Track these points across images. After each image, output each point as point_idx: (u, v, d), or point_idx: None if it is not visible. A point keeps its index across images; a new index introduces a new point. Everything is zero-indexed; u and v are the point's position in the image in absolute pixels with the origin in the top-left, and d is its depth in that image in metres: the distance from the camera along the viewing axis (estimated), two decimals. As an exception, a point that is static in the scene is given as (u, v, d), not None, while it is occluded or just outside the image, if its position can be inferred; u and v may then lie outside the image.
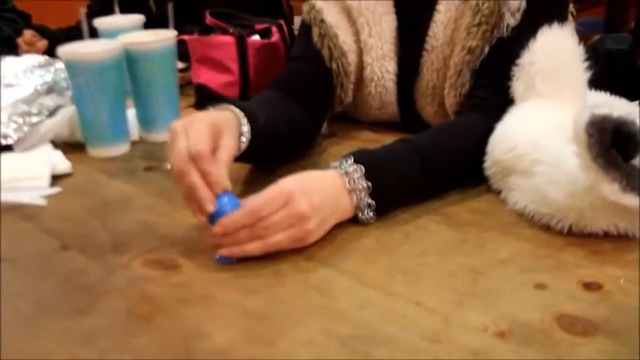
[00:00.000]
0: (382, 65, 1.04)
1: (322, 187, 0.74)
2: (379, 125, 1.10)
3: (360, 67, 1.05)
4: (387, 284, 0.66)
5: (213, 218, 0.70)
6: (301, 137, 1.01)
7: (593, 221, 0.71)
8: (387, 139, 1.05)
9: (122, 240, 0.77)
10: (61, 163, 0.98)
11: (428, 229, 0.77)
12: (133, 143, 1.09)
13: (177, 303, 0.64)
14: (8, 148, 1.03)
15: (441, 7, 0.98)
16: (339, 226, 0.77)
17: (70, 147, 1.05)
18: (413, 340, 0.57)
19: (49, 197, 0.90)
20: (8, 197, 0.89)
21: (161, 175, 0.96)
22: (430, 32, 0.99)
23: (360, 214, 0.77)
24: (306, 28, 1.05)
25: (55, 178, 0.95)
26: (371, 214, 0.77)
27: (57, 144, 1.05)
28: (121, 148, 1.06)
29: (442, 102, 1.00)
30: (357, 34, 1.04)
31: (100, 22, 1.25)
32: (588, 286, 0.64)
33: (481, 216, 0.80)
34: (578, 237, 0.72)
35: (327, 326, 0.60)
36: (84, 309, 0.64)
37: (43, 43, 1.54)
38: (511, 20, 0.90)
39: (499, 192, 0.83)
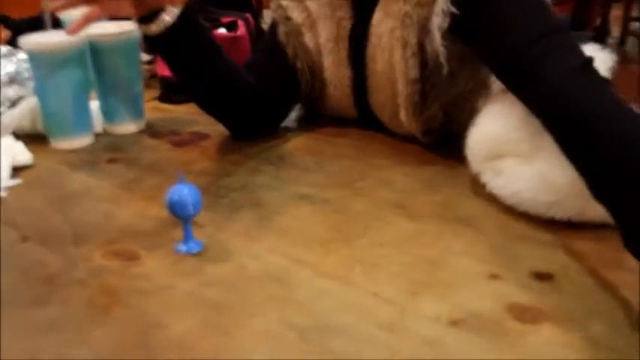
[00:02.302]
0: (339, 70, 1.04)
1: None
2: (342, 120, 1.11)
3: (321, 68, 1.06)
4: (345, 274, 0.67)
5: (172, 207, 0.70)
6: (250, 101, 1.02)
7: (597, 210, 0.65)
8: (350, 133, 1.06)
9: (83, 231, 0.77)
10: (21, 154, 0.97)
11: (387, 220, 0.78)
12: (96, 135, 1.09)
13: (137, 294, 0.65)
14: (-32, 139, 1.01)
15: (374, 22, 0.96)
16: (301, 218, 0.78)
17: (31, 138, 1.04)
18: (369, 330, 0.59)
19: (8, 189, 0.89)
20: (-33, 189, 0.88)
21: (124, 168, 0.96)
22: (368, 52, 0.98)
23: None
24: (272, 25, 1.06)
25: (16, 170, 0.94)
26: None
27: (18, 135, 1.04)
28: (83, 140, 1.06)
29: (396, 115, 0.99)
30: (316, 36, 1.05)
31: (64, 13, 1.24)
32: (540, 277, 0.66)
33: (440, 207, 0.81)
34: (533, 227, 0.74)
35: (285, 316, 0.61)
36: (43, 300, 0.64)
37: (5, 34, 1.52)
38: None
39: (476, 174, 0.83)
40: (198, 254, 0.71)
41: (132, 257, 0.71)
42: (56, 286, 0.66)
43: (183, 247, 0.72)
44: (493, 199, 0.81)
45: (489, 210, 0.80)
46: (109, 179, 0.92)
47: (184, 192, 0.70)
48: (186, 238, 0.72)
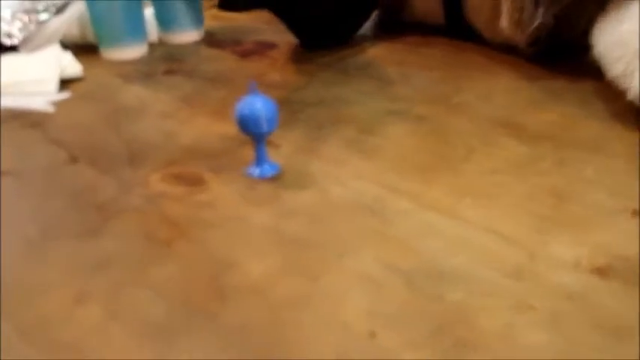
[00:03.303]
0: None
1: None
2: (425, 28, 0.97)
3: None
4: (453, 207, 0.55)
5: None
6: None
7: None
8: (436, 42, 0.92)
9: (138, 151, 0.67)
10: (70, 65, 0.87)
11: (494, 142, 0.65)
12: (151, 45, 0.97)
13: (203, 226, 0.54)
14: (12, 49, 0.91)
15: None
16: (392, 138, 0.66)
17: (81, 49, 0.94)
18: (491, 277, 0.47)
19: (56, 103, 0.79)
20: (10, 103, 0.78)
21: (183, 80, 0.85)
22: None
23: None
24: None
25: (64, 83, 0.84)
26: None
27: (66, 45, 0.94)
28: (137, 50, 0.95)
29: (495, 20, 0.85)
30: None
31: None
32: (701, 213, 0.52)
33: (556, 128, 0.68)
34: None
35: (383, 257, 0.49)
36: (94, 231, 0.54)
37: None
38: None
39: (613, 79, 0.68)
40: (273, 179, 0.60)
41: (196, 182, 0.61)
42: (109, 216, 0.56)
43: (255, 171, 0.61)
44: (621, 119, 0.67)
45: (618, 131, 0.66)
46: (168, 92, 0.81)
47: (257, 105, 0.58)
48: (259, 159, 0.61)
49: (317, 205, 0.56)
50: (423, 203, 0.56)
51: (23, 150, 0.69)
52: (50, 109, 0.78)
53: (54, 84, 0.82)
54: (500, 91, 0.78)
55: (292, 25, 0.92)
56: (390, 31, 0.99)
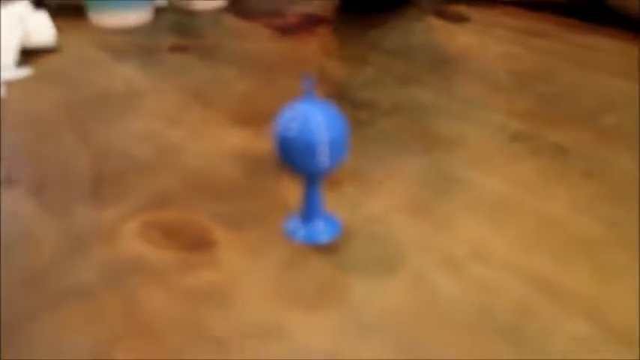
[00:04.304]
0: None
1: None
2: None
3: None
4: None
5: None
6: None
7: None
8: (552, 29, 0.66)
9: (109, 176, 0.41)
10: (40, 31, 0.62)
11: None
12: (157, 11, 0.72)
13: (205, 350, 0.29)
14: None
15: None
16: (525, 184, 0.41)
17: (63, 10, 0.69)
18: None
19: (9, 85, 0.54)
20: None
21: (196, 60, 0.60)
22: None
23: None
24: None
25: (29, 54, 0.59)
26: None
27: (42, 2, 0.69)
28: (137, 16, 0.70)
29: None
30: None
31: None
32: None
33: None
34: None
35: None
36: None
37: None
38: None
39: None
40: (331, 247, 0.35)
41: (198, 242, 0.36)
42: (32, 310, 0.31)
43: (300, 230, 0.36)
44: None
45: None
46: (172, 79, 0.56)
47: (315, 122, 0.32)
48: (310, 210, 0.36)
49: (415, 314, 0.31)
50: (604, 324, 0.30)
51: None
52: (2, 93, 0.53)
53: (10, 55, 0.57)
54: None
55: None
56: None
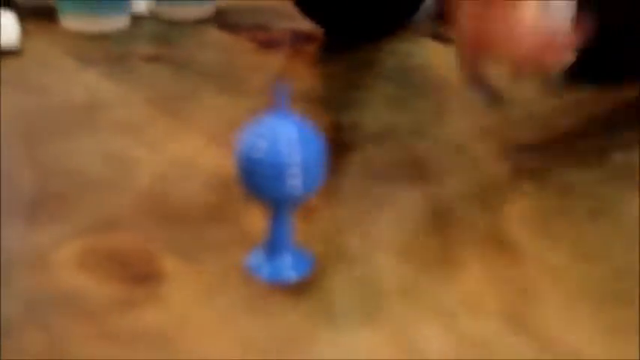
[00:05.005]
0: None
1: None
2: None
3: None
4: None
5: None
6: None
7: None
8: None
9: (53, 194, 0.36)
10: (5, 30, 0.57)
11: None
12: (135, 19, 0.67)
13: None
14: None
15: None
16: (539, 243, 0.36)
17: (35, 11, 0.64)
18: None
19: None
20: None
21: (171, 71, 0.55)
22: None
23: None
24: None
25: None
26: None
27: (12, 3, 0.64)
28: (113, 22, 0.65)
29: None
30: None
31: None
32: None
33: None
34: None
35: None
36: None
37: None
38: None
39: None
40: (299, 287, 0.30)
41: (146, 274, 0.31)
42: None
43: (265, 267, 0.30)
44: None
45: None
46: (141, 89, 0.51)
47: (285, 140, 0.28)
48: (276, 242, 0.30)
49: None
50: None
51: None
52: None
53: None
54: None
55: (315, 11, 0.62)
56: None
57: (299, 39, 0.66)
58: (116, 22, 0.66)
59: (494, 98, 0.42)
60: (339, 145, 0.41)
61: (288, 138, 0.28)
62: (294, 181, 0.28)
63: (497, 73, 0.41)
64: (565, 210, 0.37)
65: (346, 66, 0.59)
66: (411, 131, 0.46)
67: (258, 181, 0.28)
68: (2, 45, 0.57)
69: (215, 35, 0.66)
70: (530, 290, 0.30)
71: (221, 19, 0.70)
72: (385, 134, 0.46)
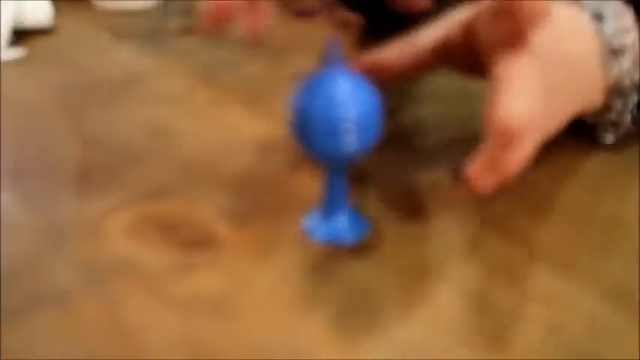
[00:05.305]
0: None
1: None
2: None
3: None
4: None
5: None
6: None
7: None
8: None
9: (100, 164, 0.36)
10: (37, 10, 0.57)
11: None
12: (166, -7, 0.66)
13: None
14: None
15: None
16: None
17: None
18: None
19: (0, 66, 0.49)
20: None
21: (204, 44, 0.54)
22: None
23: None
24: None
25: (23, 35, 0.54)
26: None
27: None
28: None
29: None
30: None
31: None
32: None
33: None
34: None
35: None
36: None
37: None
38: None
39: None
40: (358, 249, 0.29)
41: (199, 239, 0.30)
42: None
43: (320, 227, 0.30)
44: None
45: None
46: (177, 62, 0.50)
47: (342, 90, 0.27)
48: (332, 202, 0.30)
49: (469, 333, 0.25)
50: None
51: None
52: (-14, 74, 0.48)
53: (1, 35, 0.52)
54: None
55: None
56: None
57: (331, 8, 0.65)
58: (147, -2, 0.65)
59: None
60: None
61: (343, 92, 0.27)
62: (349, 137, 0.27)
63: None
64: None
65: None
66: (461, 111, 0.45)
67: (312, 137, 0.27)
68: (36, 23, 0.56)
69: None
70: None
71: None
72: (429, 95, 0.45)
